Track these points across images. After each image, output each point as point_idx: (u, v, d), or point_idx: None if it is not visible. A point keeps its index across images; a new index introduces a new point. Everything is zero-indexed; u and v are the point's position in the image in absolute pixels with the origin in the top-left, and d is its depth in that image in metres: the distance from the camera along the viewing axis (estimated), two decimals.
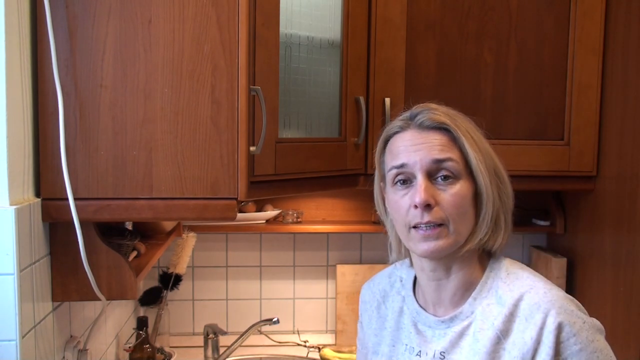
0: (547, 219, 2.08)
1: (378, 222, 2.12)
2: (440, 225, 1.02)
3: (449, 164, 1.03)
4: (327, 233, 2.21)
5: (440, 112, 1.07)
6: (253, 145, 1.29)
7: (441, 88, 1.77)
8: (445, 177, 1.03)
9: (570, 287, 1.98)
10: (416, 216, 1.03)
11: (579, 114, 1.80)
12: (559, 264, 1.98)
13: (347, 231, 2.16)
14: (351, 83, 1.67)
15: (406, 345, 1.13)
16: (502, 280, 1.06)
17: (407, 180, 1.05)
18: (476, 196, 1.05)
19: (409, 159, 1.04)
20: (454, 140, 1.05)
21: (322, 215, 2.21)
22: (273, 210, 2.10)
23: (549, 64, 1.80)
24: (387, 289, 1.22)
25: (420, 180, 1.03)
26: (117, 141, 1.20)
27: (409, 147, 1.05)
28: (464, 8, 1.76)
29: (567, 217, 2.03)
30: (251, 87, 1.28)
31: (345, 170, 1.67)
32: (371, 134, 1.75)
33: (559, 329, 0.98)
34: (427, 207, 1.02)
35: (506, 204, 1.07)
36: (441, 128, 1.05)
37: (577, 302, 1.04)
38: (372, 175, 1.77)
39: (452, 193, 1.02)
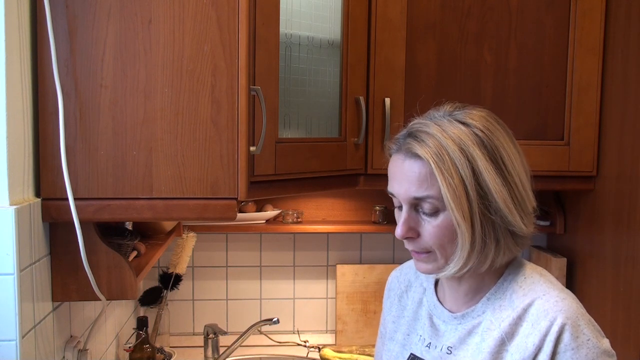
0: (547, 219, 2.08)
1: (378, 222, 2.13)
2: (428, 252, 1.04)
3: (427, 201, 1.01)
4: (327, 233, 2.21)
5: (423, 136, 1.01)
6: (253, 145, 1.29)
7: (441, 88, 1.77)
8: (428, 210, 1.02)
9: (570, 287, 1.97)
10: (405, 243, 1.07)
11: (579, 114, 1.80)
12: (559, 263, 1.98)
13: (347, 231, 2.16)
14: (351, 83, 1.67)
15: (420, 335, 1.15)
16: (518, 284, 1.06)
17: (401, 206, 1.05)
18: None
19: (395, 189, 1.05)
20: (434, 173, 1.00)
21: (322, 215, 2.21)
22: (273, 210, 2.10)
23: (549, 64, 1.80)
24: (412, 279, 1.24)
25: (404, 211, 1.04)
26: (117, 141, 1.20)
27: (396, 176, 1.05)
28: (464, 8, 1.76)
29: (567, 217, 2.03)
30: (251, 87, 1.28)
31: (345, 170, 1.67)
32: (371, 134, 1.75)
33: (560, 338, 0.97)
34: (410, 238, 1.04)
35: (500, 230, 1.01)
36: (421, 157, 1.00)
37: (592, 319, 1.01)
38: (372, 175, 1.78)
39: (434, 225, 1.02)
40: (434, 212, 1.01)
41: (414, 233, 1.03)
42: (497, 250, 1.02)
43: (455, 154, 0.98)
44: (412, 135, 1.03)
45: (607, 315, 1.72)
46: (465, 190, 0.98)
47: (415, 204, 1.03)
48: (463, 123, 1.02)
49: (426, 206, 1.01)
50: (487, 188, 0.99)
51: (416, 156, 1.01)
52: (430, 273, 1.07)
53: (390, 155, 1.08)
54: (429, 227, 1.02)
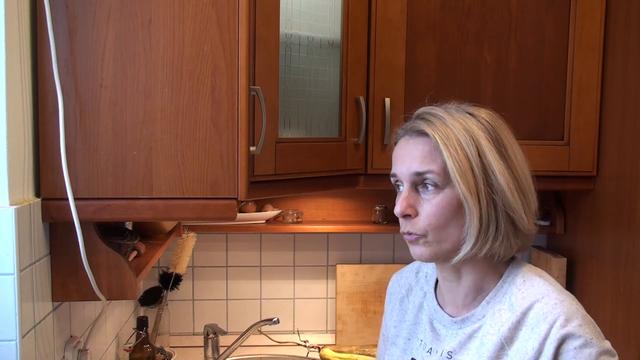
0: (547, 219, 2.08)
1: (378, 222, 2.13)
2: (422, 235, 1.04)
3: (429, 176, 1.03)
4: (327, 233, 2.21)
5: (430, 117, 1.05)
6: (253, 145, 1.29)
7: (441, 88, 1.77)
8: (430, 187, 1.03)
9: (570, 287, 1.97)
10: (401, 224, 1.07)
11: (579, 114, 1.80)
12: (559, 263, 1.98)
13: (347, 231, 2.16)
14: (351, 83, 1.67)
15: (421, 340, 1.15)
16: (517, 287, 1.05)
17: (402, 186, 1.08)
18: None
19: (397, 169, 1.07)
20: (439, 148, 1.02)
21: (322, 215, 2.21)
22: (273, 210, 2.10)
23: (549, 64, 1.80)
24: (413, 283, 1.24)
25: (403, 190, 1.06)
26: (117, 141, 1.20)
27: (399, 157, 1.08)
28: (463, 8, 1.77)
29: (567, 217, 2.03)
30: (251, 87, 1.28)
31: (345, 170, 1.67)
32: (371, 134, 1.75)
33: (561, 341, 0.97)
34: (408, 216, 1.04)
35: (501, 212, 1.02)
36: (427, 135, 1.04)
37: (592, 320, 1.01)
38: (372, 175, 1.78)
39: (434, 203, 1.03)
40: (435, 190, 1.03)
41: (412, 211, 1.04)
42: (496, 235, 1.02)
43: (460, 134, 1.02)
44: (419, 117, 1.07)
45: (607, 315, 1.72)
46: (470, 165, 1.01)
47: (417, 182, 1.04)
48: (469, 114, 1.06)
49: (427, 182, 1.03)
50: (490, 169, 1.02)
51: (421, 133, 1.04)
52: (426, 257, 1.06)
53: (397, 142, 1.11)
54: (428, 206, 1.03)
